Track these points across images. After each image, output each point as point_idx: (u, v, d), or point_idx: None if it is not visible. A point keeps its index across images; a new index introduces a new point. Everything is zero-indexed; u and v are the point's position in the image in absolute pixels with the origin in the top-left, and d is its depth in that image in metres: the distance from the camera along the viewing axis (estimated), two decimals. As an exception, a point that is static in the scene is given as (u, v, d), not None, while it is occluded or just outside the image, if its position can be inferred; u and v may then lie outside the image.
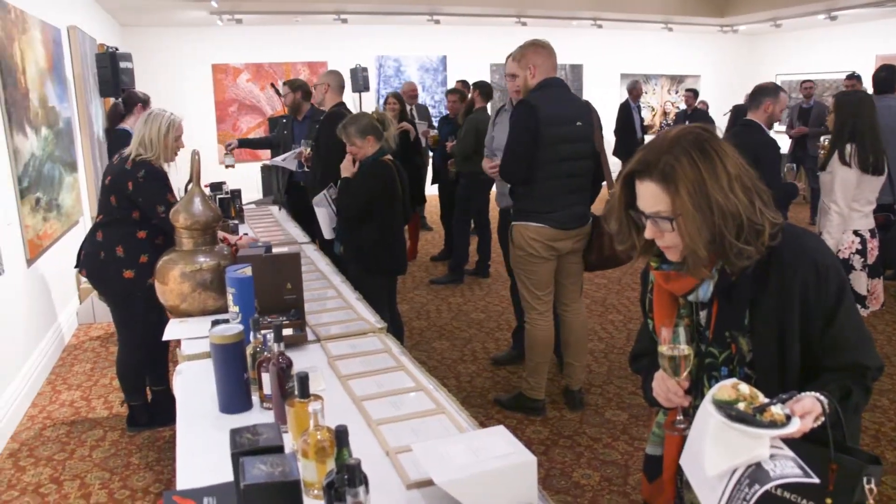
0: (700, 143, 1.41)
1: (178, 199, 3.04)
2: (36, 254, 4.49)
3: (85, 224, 5.87)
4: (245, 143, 6.13)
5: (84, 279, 4.38)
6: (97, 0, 7.78)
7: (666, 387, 1.51)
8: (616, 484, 3.16)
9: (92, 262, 3.43)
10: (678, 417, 1.54)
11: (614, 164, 10.94)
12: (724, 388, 1.32)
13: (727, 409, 1.28)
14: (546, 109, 3.44)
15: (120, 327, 3.62)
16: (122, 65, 6.66)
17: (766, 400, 1.29)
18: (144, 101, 5.19)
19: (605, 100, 12.59)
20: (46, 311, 4.69)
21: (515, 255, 3.68)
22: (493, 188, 4.74)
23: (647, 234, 1.47)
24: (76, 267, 3.59)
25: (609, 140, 11.02)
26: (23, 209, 4.28)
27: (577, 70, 12.55)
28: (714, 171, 1.39)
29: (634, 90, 9.72)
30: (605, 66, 12.71)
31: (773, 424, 1.25)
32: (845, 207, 3.65)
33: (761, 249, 1.42)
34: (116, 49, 7.08)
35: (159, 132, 3.34)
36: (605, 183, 3.85)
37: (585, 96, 12.58)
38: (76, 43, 6.20)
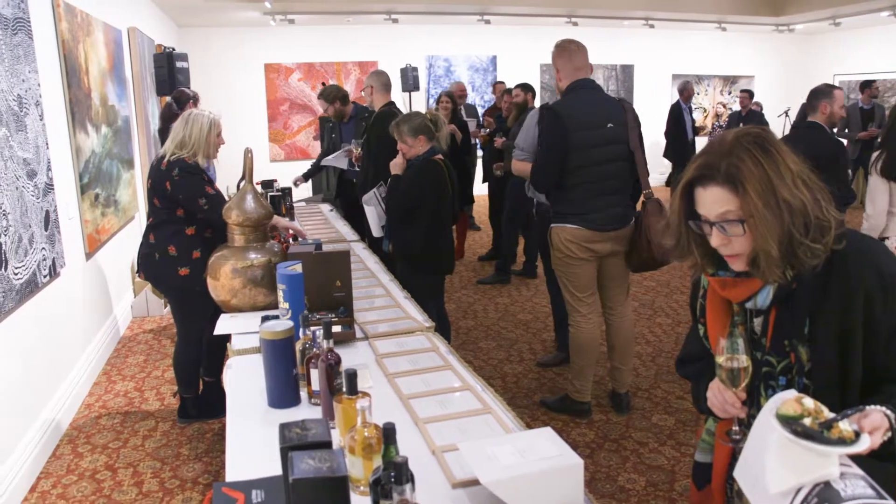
0: (760, 142, 1.39)
1: (229, 197, 3.09)
2: (94, 248, 4.63)
3: (140, 220, 6.02)
4: (309, 176, 6.00)
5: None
6: (156, 2, 7.98)
7: (723, 398, 1.47)
8: (662, 489, 3.11)
9: (148, 263, 3.52)
10: (734, 428, 1.50)
11: (665, 166, 10.84)
12: (788, 402, 1.27)
13: (792, 424, 1.23)
14: (573, 115, 3.39)
15: (179, 322, 3.70)
16: (179, 64, 6.83)
17: (832, 415, 1.24)
18: (195, 99, 5.30)
19: (655, 101, 12.44)
20: (103, 304, 4.83)
21: (555, 257, 3.67)
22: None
23: (714, 242, 1.42)
24: (137, 271, 3.70)
25: (657, 142, 10.88)
26: (83, 204, 4.42)
27: (627, 70, 12.41)
28: (778, 168, 1.36)
29: (685, 91, 9.48)
30: (657, 67, 12.53)
31: (842, 441, 1.20)
32: (878, 214, 3.61)
33: (827, 248, 1.38)
34: (173, 49, 7.25)
35: (201, 131, 3.40)
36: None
37: (636, 97, 12.45)
38: (135, 43, 6.37)
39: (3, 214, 3.10)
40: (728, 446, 1.54)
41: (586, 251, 3.56)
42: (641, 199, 3.62)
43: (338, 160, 5.40)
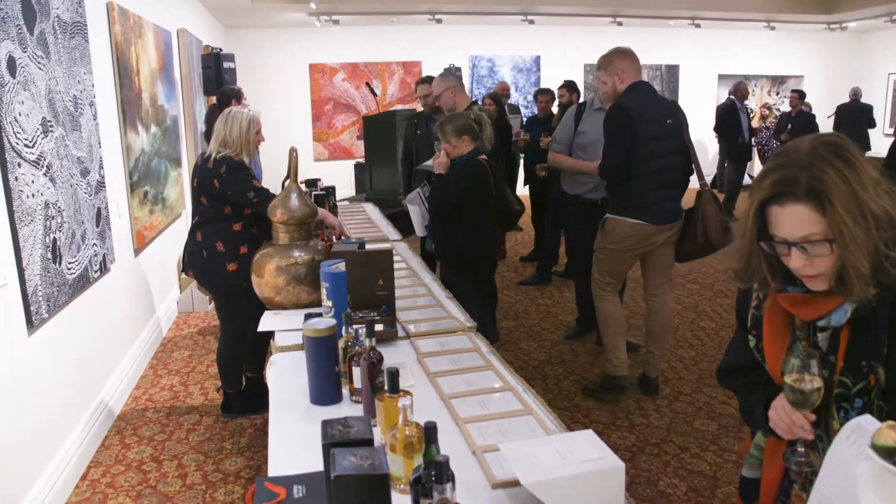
0: (839, 151, 1.28)
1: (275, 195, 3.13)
2: (142, 244, 4.73)
3: (186, 217, 6.14)
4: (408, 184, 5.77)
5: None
6: (204, 4, 8.12)
7: (790, 419, 1.36)
8: (704, 496, 3.06)
9: (196, 261, 3.59)
10: (799, 450, 1.40)
11: (710, 167, 10.66)
12: (883, 431, 1.15)
13: (893, 456, 1.12)
14: (639, 110, 3.63)
15: (223, 319, 3.77)
16: (225, 65, 6.96)
17: None
18: (238, 96, 5.36)
19: (701, 101, 12.24)
20: (150, 300, 4.94)
21: (601, 245, 3.88)
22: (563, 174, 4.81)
23: (794, 264, 1.31)
24: (183, 271, 3.77)
25: (700, 142, 10.72)
26: (132, 202, 4.52)
27: (672, 70, 12.24)
28: (860, 178, 1.26)
29: (739, 91, 9.21)
30: (703, 67, 12.34)
31: None
32: None
33: None
34: (220, 50, 7.38)
35: (241, 129, 3.46)
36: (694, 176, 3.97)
37: (681, 97, 12.28)
38: (184, 44, 6.50)
39: (59, 211, 3.19)
40: (777, 461, 1.47)
41: (642, 246, 3.79)
42: (698, 188, 3.86)
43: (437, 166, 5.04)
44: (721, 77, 12.35)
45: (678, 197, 3.83)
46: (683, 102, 12.12)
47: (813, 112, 10.13)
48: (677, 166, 3.78)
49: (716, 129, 9.46)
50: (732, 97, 9.14)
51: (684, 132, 3.80)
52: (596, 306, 4.02)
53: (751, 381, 1.56)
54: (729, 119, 9.10)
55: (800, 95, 9.90)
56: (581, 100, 6.18)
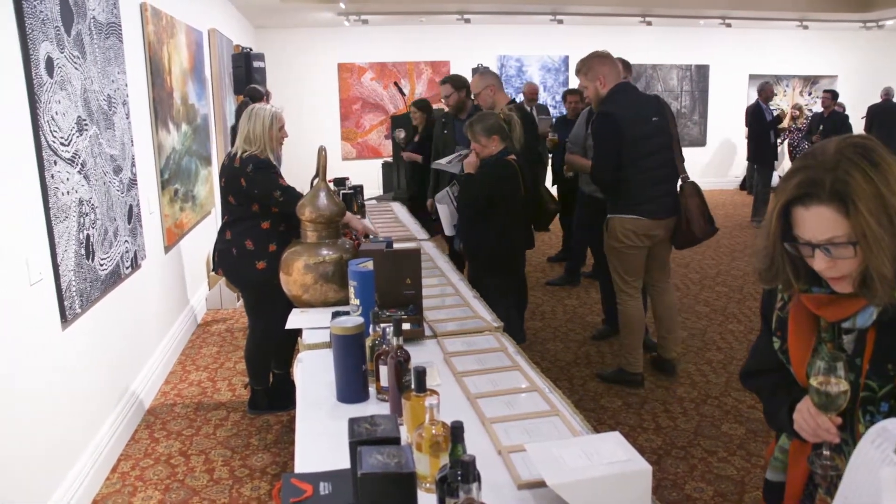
0: (866, 153, 1.26)
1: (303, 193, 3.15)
2: (172, 241, 4.79)
3: (216, 215, 6.21)
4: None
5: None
6: (234, 4, 8.21)
7: (815, 422, 1.34)
8: (731, 500, 3.03)
9: (226, 259, 3.63)
10: (825, 453, 1.38)
11: (740, 169, 10.48)
12: None
13: None
14: (623, 113, 3.73)
15: (252, 316, 3.80)
16: (255, 64, 7.02)
17: None
18: (267, 96, 5.40)
19: (732, 102, 12.10)
20: (179, 296, 5.00)
21: (610, 246, 3.99)
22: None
23: (818, 265, 1.29)
24: (213, 269, 3.81)
25: (729, 140, 10.59)
26: (163, 199, 4.58)
27: (702, 70, 12.11)
28: (887, 180, 1.23)
29: (764, 91, 9.13)
30: (733, 67, 12.18)
31: None
32: None
33: None
34: (250, 49, 7.45)
35: (264, 125, 3.48)
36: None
37: (711, 98, 12.17)
38: (215, 44, 6.57)
39: (92, 208, 3.24)
40: (803, 465, 1.45)
41: (643, 239, 3.91)
42: (679, 182, 4.00)
43: (453, 165, 4.89)
44: (752, 77, 12.17)
45: (674, 192, 3.96)
46: (713, 103, 12.14)
47: (846, 113, 9.95)
48: (669, 161, 3.90)
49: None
50: (757, 98, 9.05)
51: (672, 127, 3.94)
52: (619, 309, 4.12)
53: (775, 384, 1.54)
54: (756, 120, 9.01)
55: (832, 96, 9.72)
56: None
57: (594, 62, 3.83)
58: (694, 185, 3.99)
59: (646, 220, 3.84)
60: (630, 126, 3.72)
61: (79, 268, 3.06)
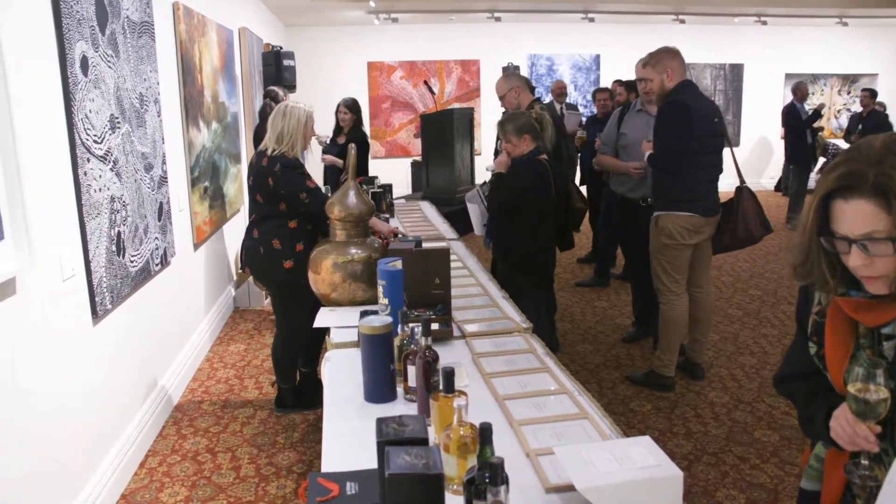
0: None
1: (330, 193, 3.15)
2: (201, 239, 4.82)
3: (244, 213, 6.24)
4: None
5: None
6: (265, 2, 8.26)
7: (853, 430, 1.30)
8: (766, 509, 2.97)
9: (254, 258, 3.63)
10: (863, 462, 1.34)
11: (776, 170, 10.28)
12: None
13: None
14: (695, 107, 3.77)
15: (280, 314, 3.80)
16: (285, 62, 7.05)
17: None
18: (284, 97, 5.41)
19: (767, 102, 11.90)
20: (207, 294, 5.03)
21: (659, 244, 3.96)
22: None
23: (852, 262, 1.26)
24: (241, 267, 3.82)
25: (763, 139, 10.41)
26: (192, 197, 4.61)
27: (736, 70, 11.93)
28: None
29: (799, 91, 8.95)
30: (769, 66, 11.97)
31: None
32: None
33: None
34: (280, 48, 7.49)
35: (298, 123, 3.49)
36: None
37: (746, 97, 11.99)
38: (245, 43, 6.61)
39: (123, 205, 3.27)
40: (839, 473, 1.40)
41: (695, 236, 3.91)
42: (737, 185, 4.07)
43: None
44: (788, 76, 11.96)
45: (717, 191, 4.03)
46: (748, 103, 11.95)
47: (886, 112, 9.72)
48: (719, 163, 3.98)
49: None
50: (792, 98, 8.89)
51: (725, 131, 4.07)
52: (663, 309, 4.07)
53: (811, 390, 1.49)
54: (792, 120, 8.84)
55: (871, 94, 9.50)
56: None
57: (664, 55, 3.89)
58: (749, 189, 4.07)
59: (699, 217, 3.86)
60: (698, 120, 3.76)
61: (110, 264, 3.08)
